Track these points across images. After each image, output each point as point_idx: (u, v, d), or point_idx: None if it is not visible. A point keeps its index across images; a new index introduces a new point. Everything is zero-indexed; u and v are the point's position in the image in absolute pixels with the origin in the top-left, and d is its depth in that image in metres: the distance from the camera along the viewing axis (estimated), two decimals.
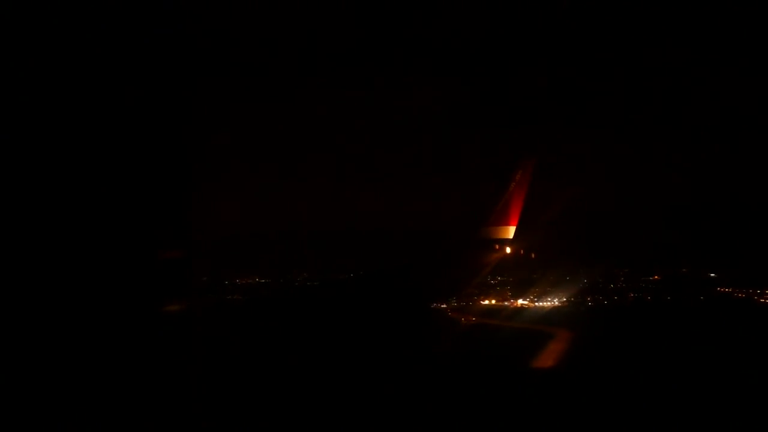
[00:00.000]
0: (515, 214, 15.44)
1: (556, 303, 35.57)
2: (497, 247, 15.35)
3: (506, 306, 35.98)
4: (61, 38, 7.42)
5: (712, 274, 34.87)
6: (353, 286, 15.43)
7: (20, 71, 6.90)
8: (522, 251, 15.34)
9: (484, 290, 33.46)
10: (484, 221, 15.42)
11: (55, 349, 7.62)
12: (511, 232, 15.46)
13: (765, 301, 33.86)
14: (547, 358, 22.90)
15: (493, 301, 36.43)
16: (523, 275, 33.80)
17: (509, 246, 15.48)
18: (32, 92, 7.04)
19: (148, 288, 8.99)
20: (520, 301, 36.27)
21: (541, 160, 15.43)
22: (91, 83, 7.71)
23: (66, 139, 7.57)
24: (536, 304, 36.28)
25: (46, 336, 7.59)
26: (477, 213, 15.46)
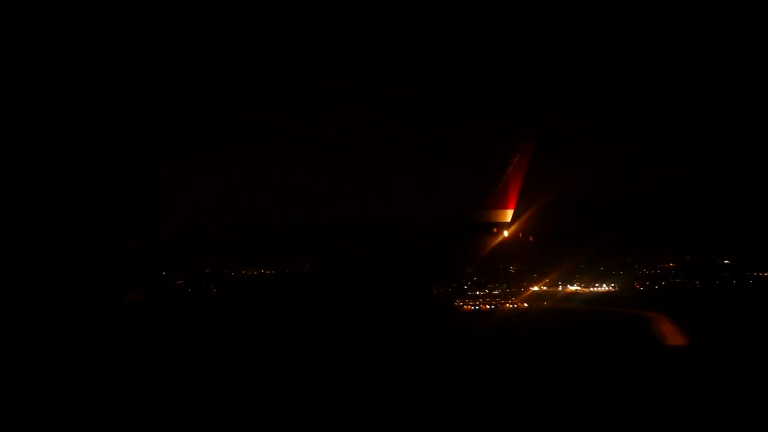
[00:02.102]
0: (513, 197, 15.38)
1: (606, 288, 35.06)
2: (495, 230, 15.36)
3: (559, 291, 35.78)
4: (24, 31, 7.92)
5: (726, 261, 33.49)
6: (354, 272, 15.78)
7: None
8: (521, 235, 15.30)
9: (509, 278, 33.46)
10: (481, 205, 15.45)
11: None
12: (508, 215, 15.42)
13: None
14: (672, 336, 22.98)
15: (544, 288, 36.24)
16: (533, 263, 33.63)
17: (507, 229, 15.49)
18: None
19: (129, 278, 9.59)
20: (569, 287, 35.96)
21: (540, 144, 15.35)
22: (50, 71, 8.14)
23: (36, 131, 8.08)
24: (590, 289, 35.88)
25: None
26: (475, 197, 15.52)
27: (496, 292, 35.25)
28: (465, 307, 32.30)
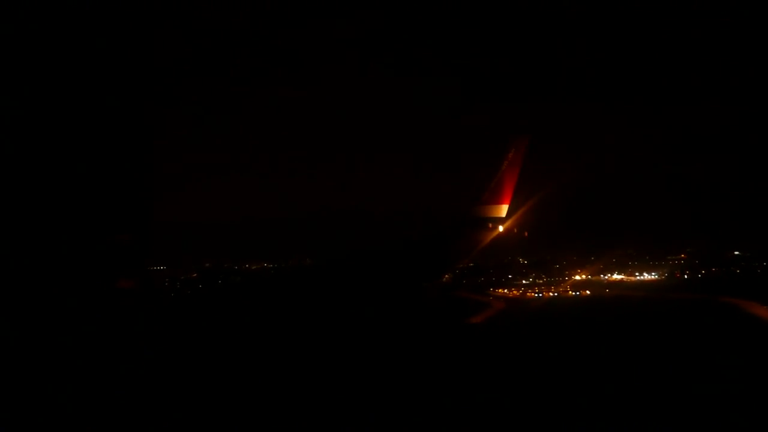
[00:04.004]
0: (508, 192, 15.41)
1: (651, 277, 34.55)
2: (490, 225, 15.46)
3: (603, 279, 35.63)
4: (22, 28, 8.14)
5: (736, 252, 32.01)
6: (352, 266, 16.23)
7: None
8: (516, 230, 15.35)
9: (547, 269, 33.32)
10: (477, 200, 15.56)
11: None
12: (504, 210, 15.46)
13: None
14: None
15: (588, 276, 36.13)
16: (542, 257, 33.30)
17: (502, 224, 15.55)
18: None
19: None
20: (613, 276, 35.72)
21: (536, 140, 15.29)
22: (49, 70, 8.35)
23: (43, 133, 8.37)
24: (637, 277, 35.54)
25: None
26: (470, 192, 15.64)
27: (541, 281, 35.19)
28: (528, 294, 32.41)
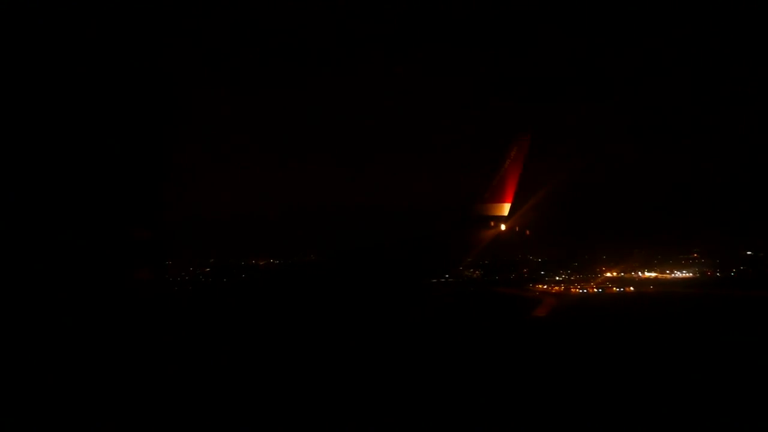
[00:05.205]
0: (510, 191, 15.71)
1: (685, 275, 34.06)
2: (492, 223, 15.80)
3: (635, 277, 35.38)
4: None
5: (749, 252, 30.94)
6: (357, 261, 16.72)
7: None
8: (517, 228, 15.62)
9: (559, 270, 33.18)
10: (479, 198, 15.91)
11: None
12: (506, 209, 15.79)
13: None
14: None
15: (621, 274, 35.93)
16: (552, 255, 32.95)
17: (504, 222, 15.84)
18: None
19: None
20: (645, 273, 35.34)
21: (538, 139, 15.50)
22: (65, 67, 8.54)
23: (57, 129, 8.64)
24: (672, 275, 35.14)
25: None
26: (473, 190, 15.97)
27: (574, 278, 35.08)
28: (572, 289, 32.30)
